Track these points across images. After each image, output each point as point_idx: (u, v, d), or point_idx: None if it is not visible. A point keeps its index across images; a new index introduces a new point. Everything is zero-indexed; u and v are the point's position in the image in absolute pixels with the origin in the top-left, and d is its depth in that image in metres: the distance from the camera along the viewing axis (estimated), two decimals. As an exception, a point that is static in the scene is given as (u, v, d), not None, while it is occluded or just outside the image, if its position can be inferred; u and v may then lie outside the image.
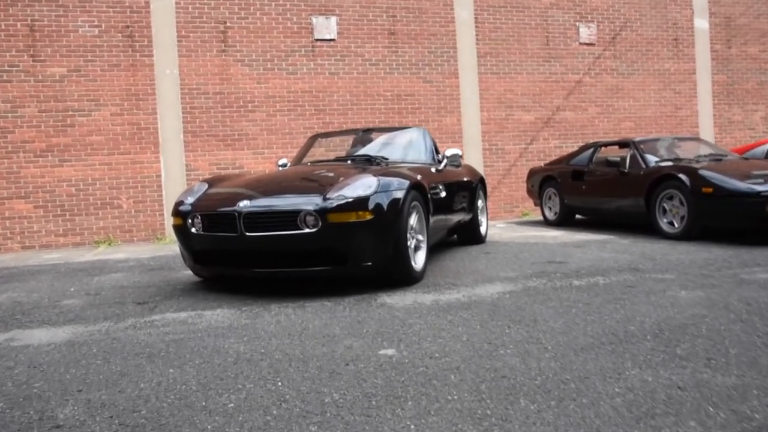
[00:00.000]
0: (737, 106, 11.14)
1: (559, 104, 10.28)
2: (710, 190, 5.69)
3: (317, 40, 9.14)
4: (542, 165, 9.15)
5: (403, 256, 4.09)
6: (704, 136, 10.56)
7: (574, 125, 10.38)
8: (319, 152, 6.25)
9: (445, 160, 5.56)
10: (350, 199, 3.85)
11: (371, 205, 3.89)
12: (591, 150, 7.89)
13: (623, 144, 7.48)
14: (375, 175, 4.09)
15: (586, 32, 10.34)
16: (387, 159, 5.24)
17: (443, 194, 5.15)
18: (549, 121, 10.23)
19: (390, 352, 2.61)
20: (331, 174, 4.48)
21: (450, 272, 4.71)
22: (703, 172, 5.84)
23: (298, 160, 6.03)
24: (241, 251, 3.94)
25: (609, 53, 10.47)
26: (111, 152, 8.38)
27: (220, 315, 3.54)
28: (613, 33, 10.49)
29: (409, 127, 6.05)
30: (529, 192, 9.03)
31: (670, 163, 6.56)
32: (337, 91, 9.24)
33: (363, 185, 3.97)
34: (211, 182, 4.64)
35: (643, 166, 6.73)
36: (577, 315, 3.15)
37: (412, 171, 4.55)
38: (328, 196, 3.90)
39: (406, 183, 4.18)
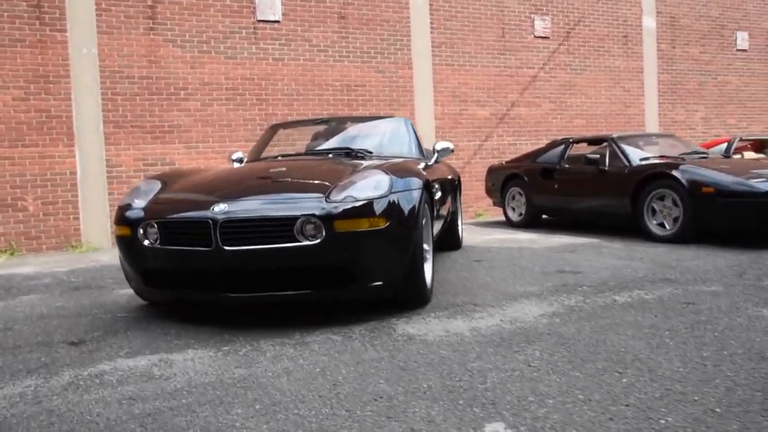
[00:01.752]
0: (680, 106, 11.15)
1: (514, 100, 9.82)
2: (711, 190, 5.29)
3: (260, 21, 8.14)
4: (503, 162, 8.62)
5: (419, 272, 3.31)
6: (653, 135, 10.46)
7: (528, 122, 9.96)
8: (281, 145, 5.33)
9: (435, 155, 4.82)
10: (361, 202, 3.02)
11: (386, 210, 3.08)
12: (562, 147, 7.42)
13: (599, 140, 7.05)
14: (385, 172, 3.28)
15: (541, 25, 9.94)
16: (371, 152, 4.43)
17: (439, 194, 4.41)
18: (504, 117, 9.75)
19: (499, 428, 1.80)
20: (325, 169, 3.62)
21: (455, 287, 3.98)
22: (702, 171, 5.44)
23: (257, 153, 5.09)
24: (215, 271, 3.01)
25: (563, 48, 10.13)
26: (13, 144, 7.01)
27: (196, 361, 2.62)
28: (567, 27, 10.16)
29: (389, 116, 5.26)
30: (488, 191, 8.48)
31: (657, 161, 6.15)
32: (282, 79, 8.29)
33: (373, 184, 3.15)
34: (164, 180, 3.64)
35: (626, 163, 6.29)
36: (677, 348, 2.50)
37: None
38: (331, 197, 3.05)
39: (420, 181, 3.40)
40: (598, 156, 6.60)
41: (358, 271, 3.05)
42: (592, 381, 2.14)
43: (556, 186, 7.15)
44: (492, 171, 8.43)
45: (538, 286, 3.92)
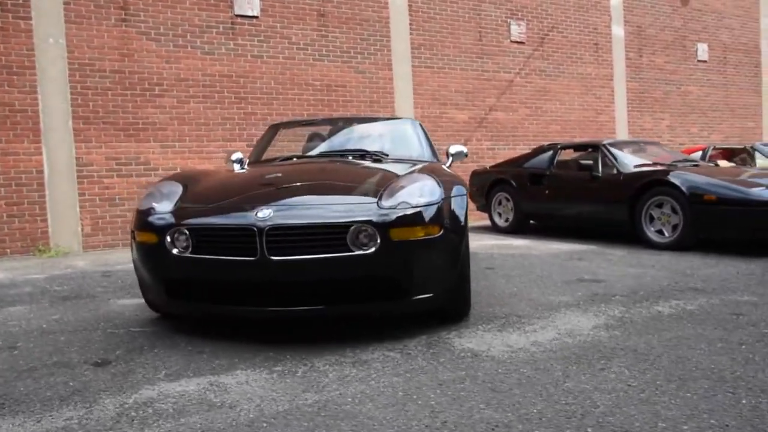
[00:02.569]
0: (648, 114, 11.42)
1: (492, 104, 9.80)
2: (713, 198, 5.34)
3: (238, 15, 7.79)
4: (486, 167, 8.56)
5: (466, 282, 3.14)
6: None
7: (506, 126, 9.96)
8: (283, 145, 5.05)
9: (450, 158, 4.66)
10: (417, 209, 2.83)
11: (439, 217, 2.89)
12: (550, 152, 7.40)
13: (588, 146, 7.07)
14: (433, 177, 3.09)
15: (517, 30, 9.96)
16: (386, 155, 4.22)
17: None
18: (482, 121, 9.71)
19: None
20: (362, 173, 3.40)
21: (484, 297, 3.83)
22: (704, 179, 5.50)
23: (259, 154, 4.80)
24: (259, 283, 2.74)
25: (538, 53, 10.19)
26: (-29, 140, 6.43)
27: (252, 384, 2.36)
28: (542, 33, 10.23)
29: (399, 118, 5.07)
30: (472, 196, 8.39)
31: (652, 168, 6.20)
32: (261, 77, 7.96)
33: (424, 190, 2.96)
34: (183, 182, 3.32)
35: (620, 170, 6.32)
36: (766, 363, 2.41)
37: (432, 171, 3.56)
38: (383, 203, 2.84)
39: (464, 187, 3.24)
40: (591, 162, 6.61)
41: (408, 282, 2.85)
42: (712, 403, 2.01)
43: (547, 192, 7.12)
44: (476, 175, 8.36)
45: (570, 296, 3.82)
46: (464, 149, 4.68)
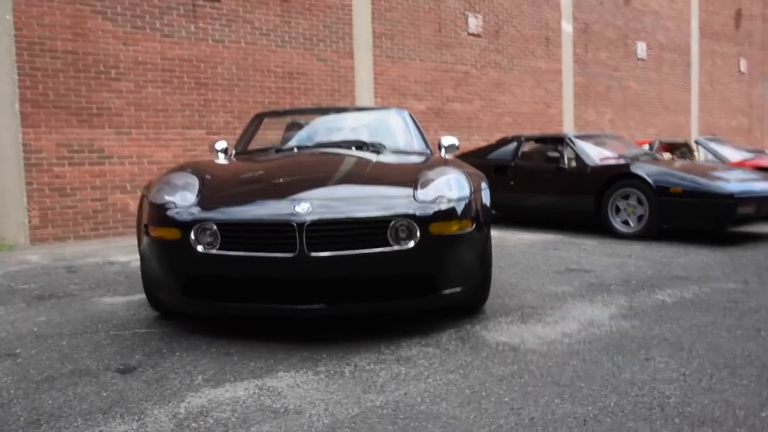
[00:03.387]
0: (592, 108, 11.85)
1: (449, 95, 9.88)
2: (679, 190, 5.61)
3: (197, -3, 7.45)
4: (447, 158, 8.62)
5: (489, 275, 3.15)
6: (571, 135, 11.01)
7: (462, 117, 10.07)
8: (270, 135, 4.89)
9: (443, 150, 4.65)
10: (453, 203, 2.81)
11: (472, 211, 2.89)
12: (515, 144, 7.55)
13: (552, 139, 7.26)
14: (459, 170, 3.08)
15: (474, 23, 10.07)
16: (384, 146, 4.17)
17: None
18: (439, 112, 9.77)
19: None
20: (384, 165, 3.33)
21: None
22: (670, 171, 5.77)
23: (245, 144, 4.61)
24: (297, 280, 2.64)
25: (493, 47, 10.34)
26: None
27: (304, 386, 2.28)
28: (497, 26, 10.39)
29: (388, 108, 5.01)
30: (433, 187, 8.43)
31: (616, 161, 6.43)
32: (222, 63, 7.67)
33: (456, 183, 2.95)
34: (197, 173, 3.14)
35: (586, 162, 6.53)
36: (789, 351, 2.56)
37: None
38: (420, 196, 2.80)
39: (486, 182, 3.24)
40: (558, 154, 6.79)
41: (441, 277, 2.83)
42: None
43: (511, 183, 7.26)
44: (437, 166, 8.40)
45: (568, 286, 3.91)
46: (456, 141, 4.68)
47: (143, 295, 3.87)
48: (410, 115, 4.78)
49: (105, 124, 6.88)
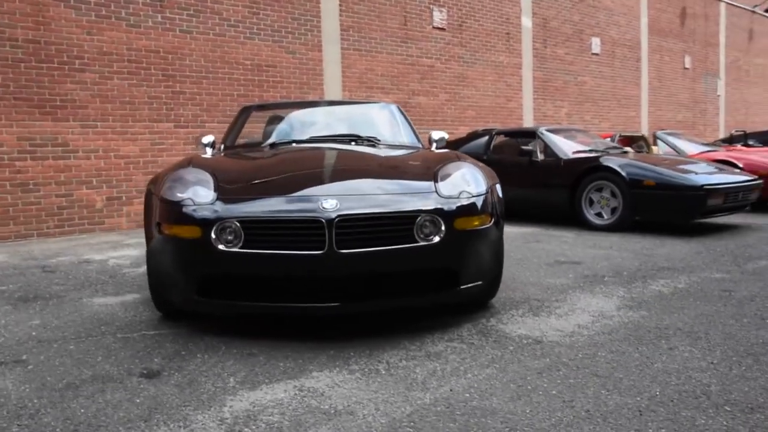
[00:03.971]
0: (550, 102, 12.13)
1: (415, 88, 9.91)
2: (652, 183, 5.82)
3: (163, -14, 7.20)
4: (418, 152, 8.65)
5: (501, 270, 3.19)
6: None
7: (427, 111, 10.12)
8: (257, 129, 4.78)
9: (434, 144, 4.66)
10: (474, 198, 2.83)
11: (490, 206, 2.93)
12: (486, 138, 7.65)
13: (524, 133, 7.40)
14: (472, 164, 3.10)
15: (439, 16, 10.12)
16: (378, 140, 4.15)
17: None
18: (405, 105, 9.78)
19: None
20: (395, 159, 3.32)
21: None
22: (643, 164, 5.97)
23: (233, 138, 4.51)
24: (325, 278, 2.60)
25: (456, 40, 10.43)
26: None
27: (343, 386, 2.26)
28: (460, 20, 10.47)
29: (375, 101, 4.98)
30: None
31: (589, 154, 6.61)
32: (190, 54, 7.45)
33: (473, 177, 2.97)
34: (207, 168, 3.04)
35: (559, 156, 6.68)
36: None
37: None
38: (442, 191, 2.80)
39: (495, 175, 3.28)
40: (530, 148, 6.92)
41: (462, 272, 2.85)
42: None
43: (485, 176, 7.34)
44: (408, 160, 8.43)
45: (565, 278, 4.01)
46: (446, 135, 4.70)
47: (136, 295, 3.77)
48: (398, 109, 4.77)
49: (69, 116, 6.58)
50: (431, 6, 10.03)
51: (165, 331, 2.99)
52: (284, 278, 2.64)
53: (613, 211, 6.11)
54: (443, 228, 2.69)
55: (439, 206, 2.70)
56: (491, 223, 2.90)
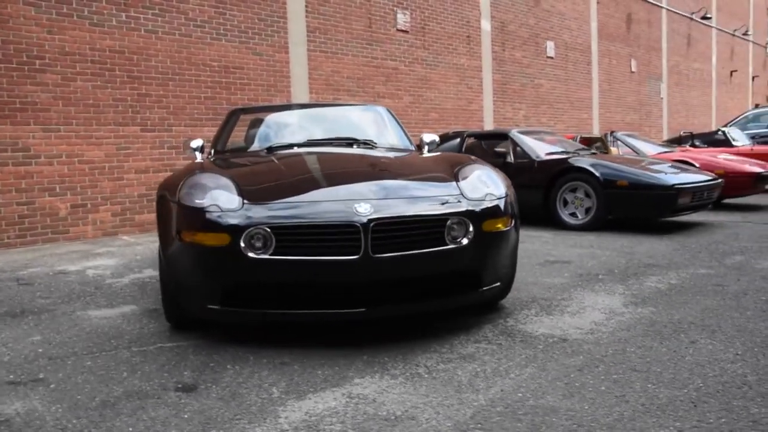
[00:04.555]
0: (509, 104, 12.38)
1: (380, 91, 9.92)
2: (625, 183, 6.03)
3: (127, -16, 6.96)
4: (387, 154, 8.67)
5: (515, 271, 3.24)
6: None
7: (392, 113, 10.13)
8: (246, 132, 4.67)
9: (426, 147, 4.68)
10: (498, 201, 2.86)
11: (510, 208, 2.98)
12: (458, 140, 7.75)
13: (496, 135, 7.53)
14: (487, 166, 3.14)
15: (402, 19, 10.18)
16: (375, 143, 4.15)
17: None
18: (372, 107, 9.78)
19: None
20: (408, 162, 3.32)
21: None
22: (615, 165, 6.18)
23: (223, 142, 4.40)
24: (359, 283, 2.57)
25: (420, 43, 10.51)
26: None
27: (391, 391, 2.24)
28: (423, 23, 10.56)
29: (365, 104, 4.96)
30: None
31: (562, 156, 6.78)
32: (156, 55, 7.22)
33: (491, 180, 3.00)
34: (225, 173, 2.96)
35: (533, 157, 6.83)
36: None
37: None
38: (468, 194, 2.83)
39: (506, 176, 3.33)
40: (504, 149, 7.05)
41: (485, 274, 2.88)
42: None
43: (458, 178, 7.43)
44: (378, 162, 8.44)
45: (560, 278, 4.10)
46: (437, 138, 4.74)
47: (133, 307, 3.63)
48: (389, 111, 4.77)
49: (30, 120, 6.27)
50: (395, 8, 10.08)
51: (182, 342, 2.89)
52: (317, 285, 2.59)
53: (587, 210, 6.29)
54: (471, 230, 2.71)
55: (468, 208, 2.73)
56: (512, 225, 2.94)
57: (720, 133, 11.70)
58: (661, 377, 2.26)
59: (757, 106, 23.12)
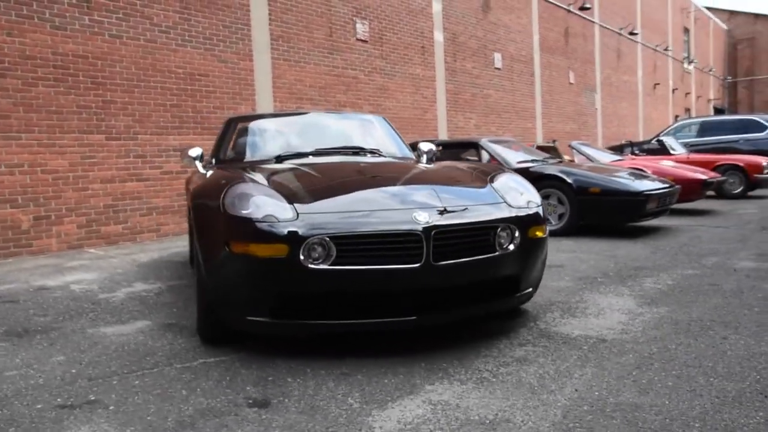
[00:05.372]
0: (461, 114, 12.67)
1: (341, 100, 9.94)
2: (597, 190, 6.32)
3: (90, -14, 6.68)
4: (354, 163, 8.70)
5: (542, 276, 3.35)
6: (441, 139, 11.67)
7: (353, 122, 10.16)
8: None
9: (424, 156, 4.74)
10: (537, 207, 2.96)
11: (544, 215, 3.07)
12: (428, 149, 7.85)
13: (465, 144, 7.70)
14: (515, 174, 3.24)
15: (362, 28, 10.25)
16: (381, 152, 4.19)
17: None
18: (334, 116, 9.78)
19: None
20: (434, 170, 3.37)
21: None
22: (587, 173, 6.47)
23: (225, 150, 4.31)
24: (418, 291, 2.59)
25: (378, 52, 10.61)
26: None
27: (471, 396, 2.28)
28: (381, 33, 10.67)
29: (364, 114, 4.98)
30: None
31: (531, 164, 7.02)
32: (121, 61, 6.95)
33: (524, 187, 3.10)
34: (267, 182, 2.92)
35: (505, 165, 7.03)
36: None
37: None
38: (510, 201, 2.91)
39: (530, 185, 3.44)
40: (477, 158, 7.23)
41: (523, 279, 2.97)
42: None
43: (430, 186, 7.55)
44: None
45: (563, 281, 4.26)
46: (434, 147, 4.81)
47: (147, 322, 3.50)
48: (386, 121, 4.81)
49: (-11, 127, 5.89)
50: (354, 18, 10.13)
51: (223, 357, 2.81)
52: (375, 294, 2.59)
53: (561, 216, 6.54)
54: (518, 236, 2.79)
55: (515, 215, 2.81)
56: (548, 231, 3.05)
57: (656, 142, 12.42)
58: (717, 371, 2.41)
59: (677, 117, 24.68)
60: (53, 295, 4.31)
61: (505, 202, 2.91)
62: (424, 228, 2.55)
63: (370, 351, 2.79)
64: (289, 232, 2.53)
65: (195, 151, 4.30)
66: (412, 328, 2.86)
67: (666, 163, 9.14)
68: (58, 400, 2.37)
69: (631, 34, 20.64)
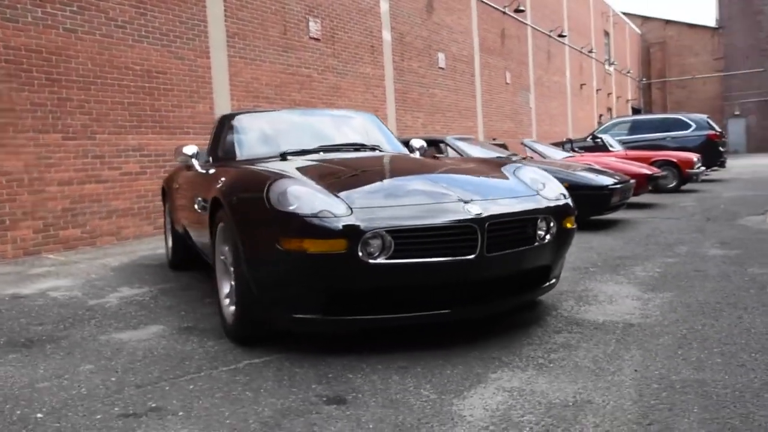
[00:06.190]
0: (409, 113, 12.81)
1: (296, 98, 9.83)
2: (567, 185, 6.51)
3: (42, -23, 6.30)
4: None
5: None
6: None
7: (308, 121, 10.08)
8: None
9: (417, 152, 4.78)
10: (568, 199, 3.07)
11: (573, 205, 3.20)
12: (393, 147, 7.92)
13: (432, 141, 7.81)
14: (537, 167, 3.35)
15: (314, 27, 10.17)
16: (380, 148, 4.22)
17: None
18: (289, 115, 9.66)
19: None
20: (460, 163, 3.42)
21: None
22: (556, 169, 6.72)
23: (222, 148, 4.19)
24: (470, 282, 2.63)
25: (330, 51, 10.56)
26: None
27: (544, 380, 2.36)
28: (332, 32, 10.63)
29: (357, 111, 4.98)
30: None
31: (502, 160, 7.22)
32: (76, 56, 6.59)
33: (551, 180, 3.22)
34: (305, 178, 2.88)
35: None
36: (804, 299, 3.37)
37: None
38: (543, 193, 3.01)
39: (545, 179, 3.56)
40: (444, 155, 7.36)
41: (553, 269, 3.08)
42: None
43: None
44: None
45: (565, 272, 4.41)
46: (425, 144, 4.87)
47: (160, 326, 3.39)
48: (378, 119, 4.83)
49: (-63, 127, 5.44)
50: (307, 16, 10.04)
51: (266, 358, 2.75)
52: (429, 287, 2.61)
53: (529, 210, 6.76)
54: (554, 227, 2.89)
55: (552, 205, 2.91)
56: (575, 222, 3.17)
57: (592, 139, 13.04)
58: (752, 347, 2.60)
59: (601, 116, 25.94)
60: (35, 303, 4.06)
61: (539, 194, 3.00)
62: (479, 219, 2.59)
63: (411, 344, 2.80)
64: (345, 226, 2.51)
65: (190, 149, 4.17)
66: (465, 319, 2.89)
67: (610, 160, 9.62)
68: (116, 409, 2.25)
69: (560, 36, 21.53)
